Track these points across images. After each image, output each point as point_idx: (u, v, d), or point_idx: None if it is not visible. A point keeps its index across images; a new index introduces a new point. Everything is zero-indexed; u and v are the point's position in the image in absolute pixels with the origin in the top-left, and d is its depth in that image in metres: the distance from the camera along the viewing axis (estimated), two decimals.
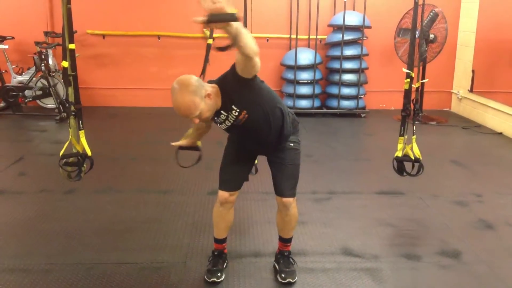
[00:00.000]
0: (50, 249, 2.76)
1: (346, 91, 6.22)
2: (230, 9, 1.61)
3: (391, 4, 6.30)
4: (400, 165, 3.04)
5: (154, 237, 2.92)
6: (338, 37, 6.11)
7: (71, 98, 2.74)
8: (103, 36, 6.29)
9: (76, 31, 3.79)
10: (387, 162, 3.17)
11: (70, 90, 2.74)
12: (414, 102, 3.08)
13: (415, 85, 3.05)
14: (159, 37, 6.31)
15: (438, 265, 2.69)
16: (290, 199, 2.37)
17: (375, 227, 3.13)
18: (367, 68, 6.25)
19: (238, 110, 2.12)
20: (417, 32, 3.52)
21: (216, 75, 2.18)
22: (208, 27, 1.65)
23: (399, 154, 3.02)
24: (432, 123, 5.99)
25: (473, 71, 6.15)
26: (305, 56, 6.10)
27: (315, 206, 3.44)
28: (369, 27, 6.13)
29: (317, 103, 6.26)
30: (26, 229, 3.00)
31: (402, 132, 3.02)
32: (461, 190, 3.80)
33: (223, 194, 2.37)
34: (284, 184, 2.36)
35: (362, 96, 6.29)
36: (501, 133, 5.55)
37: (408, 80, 2.95)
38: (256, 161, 2.66)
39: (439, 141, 5.27)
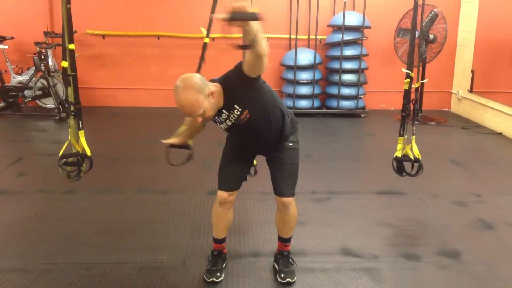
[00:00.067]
0: (50, 249, 2.76)
1: (346, 91, 6.22)
2: (252, 8, 1.61)
3: (391, 4, 6.30)
4: (400, 165, 3.04)
5: (153, 237, 2.92)
6: (338, 37, 6.11)
7: (71, 98, 2.75)
8: (103, 36, 6.29)
9: (75, 31, 3.79)
10: (387, 162, 3.17)
11: (70, 90, 2.74)
12: (413, 102, 3.08)
13: (414, 85, 3.04)
14: (159, 37, 6.31)
15: (438, 265, 2.68)
16: (290, 199, 2.37)
17: (374, 227, 3.13)
18: (366, 68, 6.25)
19: (240, 110, 2.12)
20: (417, 32, 3.52)
21: (213, 74, 2.18)
22: (229, 25, 1.65)
23: (398, 154, 3.02)
24: (432, 123, 5.98)
25: (472, 71, 6.15)
26: (305, 56, 6.10)
27: (314, 206, 3.44)
28: (369, 27, 6.13)
29: (317, 103, 6.26)
30: (26, 229, 3.00)
31: (401, 132, 3.01)
32: (460, 190, 3.80)
33: (222, 194, 2.37)
34: (283, 183, 2.36)
35: (361, 96, 6.29)
36: (500, 133, 5.54)
37: (408, 80, 2.95)
38: (255, 162, 2.66)
39: (439, 141, 5.26)
